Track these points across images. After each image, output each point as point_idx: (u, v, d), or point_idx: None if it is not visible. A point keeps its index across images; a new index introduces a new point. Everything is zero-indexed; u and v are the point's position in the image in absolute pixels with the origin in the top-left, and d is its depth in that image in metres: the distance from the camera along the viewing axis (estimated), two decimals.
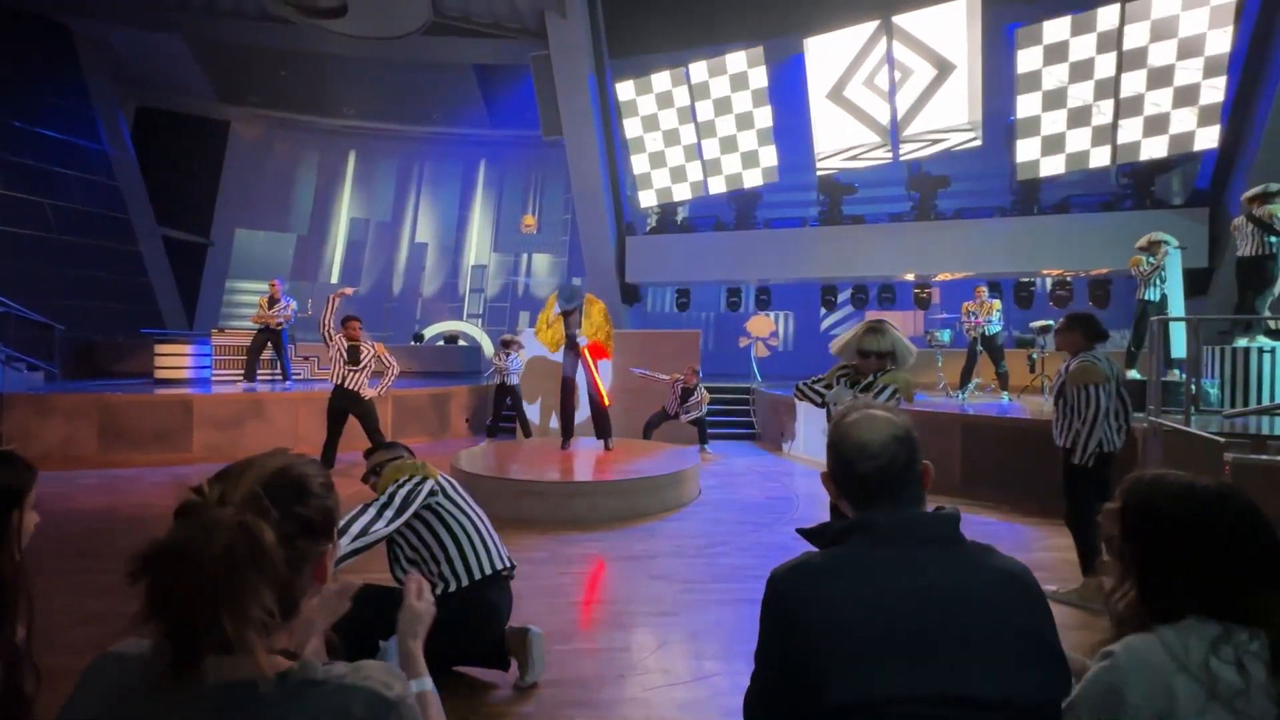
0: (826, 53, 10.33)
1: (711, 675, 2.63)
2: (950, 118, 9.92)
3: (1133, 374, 6.23)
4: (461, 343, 14.26)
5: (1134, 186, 9.68)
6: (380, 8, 11.37)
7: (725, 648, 2.86)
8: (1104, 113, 9.19)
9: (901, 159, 10.39)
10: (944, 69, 9.76)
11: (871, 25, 9.97)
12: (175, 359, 9.18)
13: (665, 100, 11.18)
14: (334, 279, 15.64)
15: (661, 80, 11.10)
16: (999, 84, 9.56)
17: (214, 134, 14.08)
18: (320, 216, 15.52)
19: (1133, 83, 8.97)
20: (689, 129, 11.21)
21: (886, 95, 10.08)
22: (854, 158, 10.60)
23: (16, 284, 9.09)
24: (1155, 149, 9.10)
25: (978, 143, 9.91)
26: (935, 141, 10.13)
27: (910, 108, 10.07)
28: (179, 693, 0.69)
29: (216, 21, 12.19)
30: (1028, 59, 9.36)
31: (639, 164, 11.65)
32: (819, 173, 10.87)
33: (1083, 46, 9.10)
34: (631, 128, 11.47)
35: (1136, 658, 0.93)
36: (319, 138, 15.16)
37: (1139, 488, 1.07)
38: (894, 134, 10.17)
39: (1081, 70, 9.17)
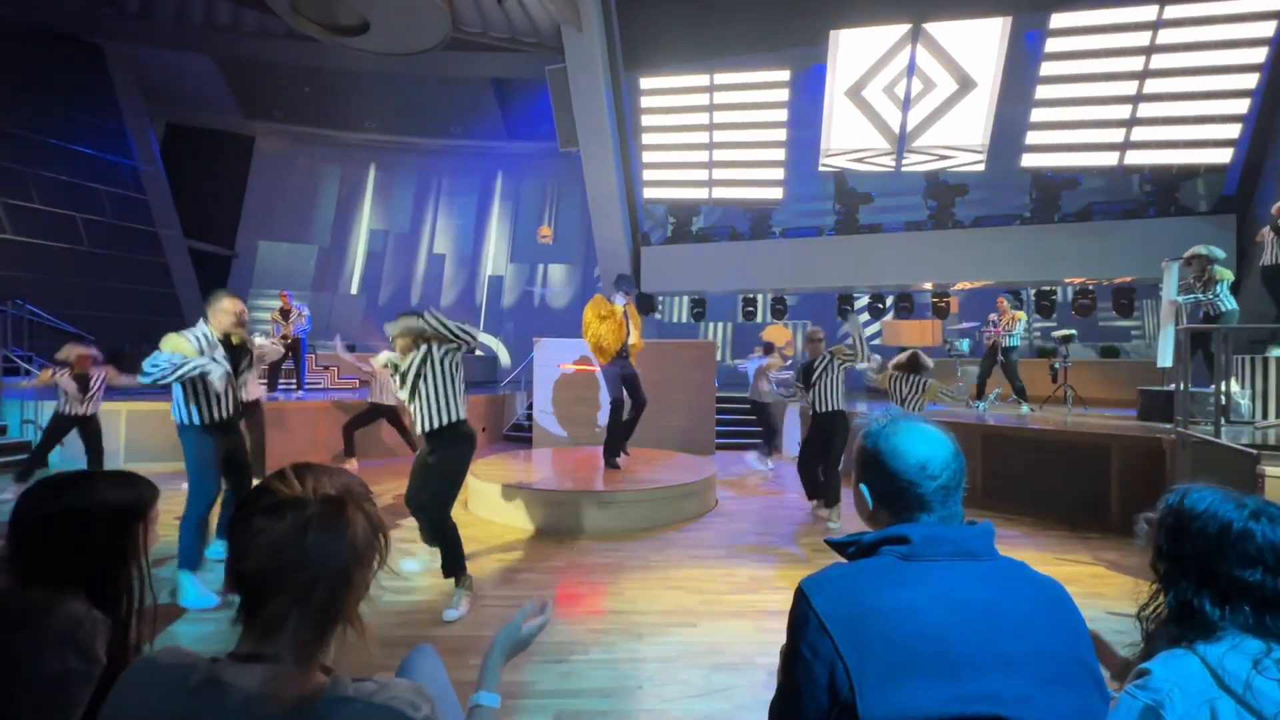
0: (854, 48, 10.12)
1: (730, 688, 2.61)
2: (961, 137, 9.77)
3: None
4: (478, 353, 14.37)
5: (1158, 193, 9.52)
6: (401, 25, 11.59)
7: (744, 660, 2.84)
8: (1121, 114, 9.04)
9: (904, 169, 10.29)
10: (965, 85, 9.63)
11: (903, 29, 9.76)
12: None
13: (686, 101, 11.18)
14: (354, 290, 15.88)
15: (685, 81, 11.10)
16: (1021, 92, 9.42)
17: (239, 149, 14.43)
18: (341, 228, 15.79)
19: (1156, 87, 8.83)
20: (703, 134, 11.23)
21: (902, 103, 10.01)
22: (860, 159, 10.51)
23: (50, 295, 9.37)
24: (1165, 159, 8.93)
25: (981, 167, 9.82)
26: (942, 158, 10.03)
27: (923, 120, 9.97)
28: (212, 704, 0.71)
29: (242, 40, 12.52)
30: (1056, 46, 9.12)
31: (649, 157, 11.62)
32: (821, 168, 10.72)
33: (1113, 42, 8.90)
34: (649, 120, 11.45)
35: (1175, 676, 0.90)
36: (340, 151, 15.46)
37: (1181, 500, 1.04)
38: (901, 143, 10.08)
39: (1107, 67, 9.00)
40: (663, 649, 2.97)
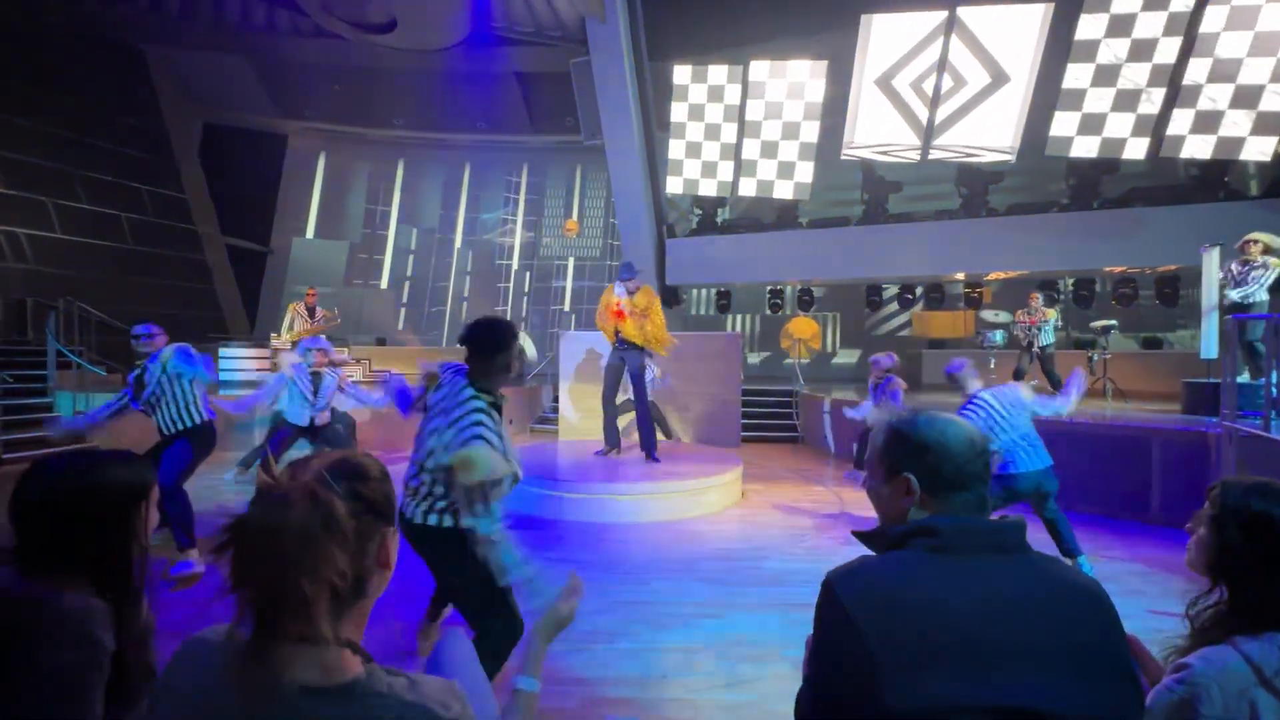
0: (885, 35, 9.78)
1: (756, 679, 2.61)
2: (991, 134, 9.36)
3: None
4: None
5: (1204, 177, 9.11)
6: (427, 21, 11.72)
7: (770, 652, 2.84)
8: (1153, 101, 8.58)
9: (930, 161, 9.98)
10: (998, 80, 9.21)
11: (938, 17, 9.35)
12: (238, 362, 9.68)
13: (716, 93, 11.02)
14: (384, 284, 16.20)
15: (718, 73, 10.92)
16: (1054, 73, 9.04)
17: (272, 147, 14.78)
18: (371, 224, 16.10)
19: (1193, 73, 8.36)
20: (732, 126, 11.07)
21: (932, 96, 9.67)
22: (884, 152, 10.22)
23: (98, 292, 9.76)
24: (1199, 149, 8.47)
25: (1010, 162, 9.49)
26: (969, 155, 9.69)
27: (952, 115, 9.57)
28: (253, 685, 0.72)
29: (276, 40, 12.81)
30: (1090, 25, 8.67)
31: (675, 149, 11.46)
32: (843, 157, 10.41)
33: (1150, 24, 8.45)
34: (677, 112, 11.29)
35: (1214, 669, 0.89)
36: (369, 148, 15.72)
37: (1237, 493, 1.02)
38: (928, 138, 9.77)
39: (1142, 50, 8.55)
40: (688, 640, 2.98)
